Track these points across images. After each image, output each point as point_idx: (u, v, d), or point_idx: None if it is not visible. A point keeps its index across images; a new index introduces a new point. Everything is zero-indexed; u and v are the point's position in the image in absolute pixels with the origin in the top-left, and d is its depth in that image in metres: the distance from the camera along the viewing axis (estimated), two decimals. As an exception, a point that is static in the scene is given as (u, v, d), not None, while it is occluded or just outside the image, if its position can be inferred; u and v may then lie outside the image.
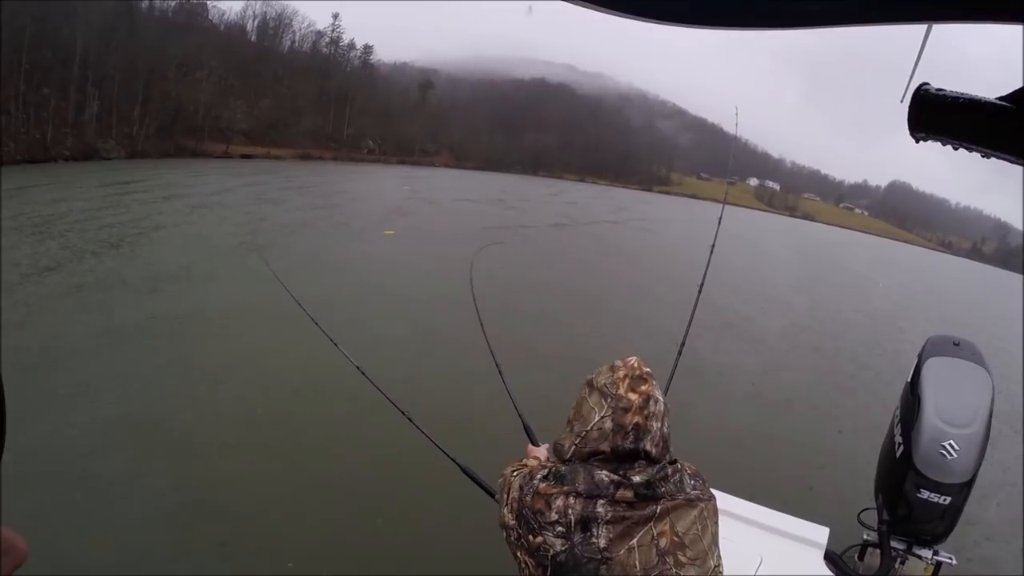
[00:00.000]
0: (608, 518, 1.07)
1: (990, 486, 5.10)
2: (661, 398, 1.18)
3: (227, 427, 5.09)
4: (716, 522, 1.20)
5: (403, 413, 1.97)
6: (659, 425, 1.15)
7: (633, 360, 1.23)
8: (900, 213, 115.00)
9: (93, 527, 3.63)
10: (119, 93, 37.09)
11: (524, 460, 1.47)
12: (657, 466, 1.13)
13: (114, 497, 3.95)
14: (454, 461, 1.76)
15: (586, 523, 1.07)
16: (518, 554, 1.15)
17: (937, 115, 0.52)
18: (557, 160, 76.02)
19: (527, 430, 1.99)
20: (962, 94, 0.50)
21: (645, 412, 1.15)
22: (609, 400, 1.17)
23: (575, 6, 0.46)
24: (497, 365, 2.24)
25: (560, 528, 1.07)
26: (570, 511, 1.07)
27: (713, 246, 2.35)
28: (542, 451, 1.71)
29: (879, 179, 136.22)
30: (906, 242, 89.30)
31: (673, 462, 1.19)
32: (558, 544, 1.07)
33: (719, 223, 2.49)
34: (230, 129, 44.91)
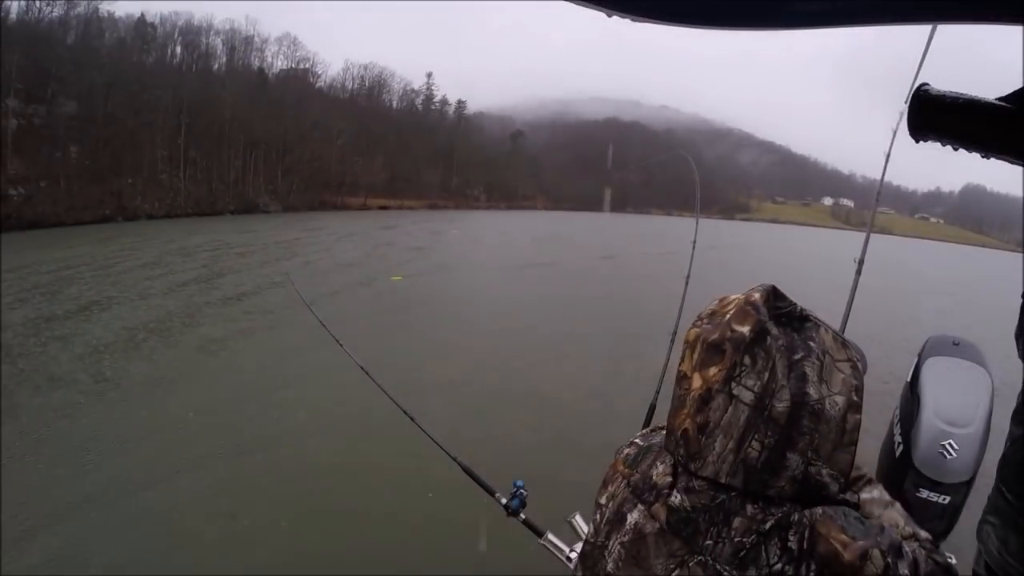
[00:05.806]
0: (627, 540, 0.72)
1: (990, 486, 6.05)
2: (748, 397, 0.63)
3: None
4: None
5: (404, 412, 1.84)
6: (728, 445, 0.64)
7: (732, 306, 0.68)
8: (976, 217, 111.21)
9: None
10: (266, 154, 43.26)
11: None
12: (719, 496, 0.66)
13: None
14: (455, 460, 1.66)
15: (611, 528, 0.75)
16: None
17: (937, 116, 0.52)
18: (640, 195, 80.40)
19: None
20: (962, 94, 0.51)
21: (699, 418, 0.66)
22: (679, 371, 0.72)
23: (577, 6, 0.44)
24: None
25: (597, 516, 0.79)
26: (611, 504, 0.77)
27: (694, 242, 2.55)
28: None
29: (952, 185, 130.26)
30: (983, 246, 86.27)
31: (774, 503, 0.64)
32: (588, 531, 0.82)
33: (696, 228, 2.62)
34: (365, 184, 50.68)
